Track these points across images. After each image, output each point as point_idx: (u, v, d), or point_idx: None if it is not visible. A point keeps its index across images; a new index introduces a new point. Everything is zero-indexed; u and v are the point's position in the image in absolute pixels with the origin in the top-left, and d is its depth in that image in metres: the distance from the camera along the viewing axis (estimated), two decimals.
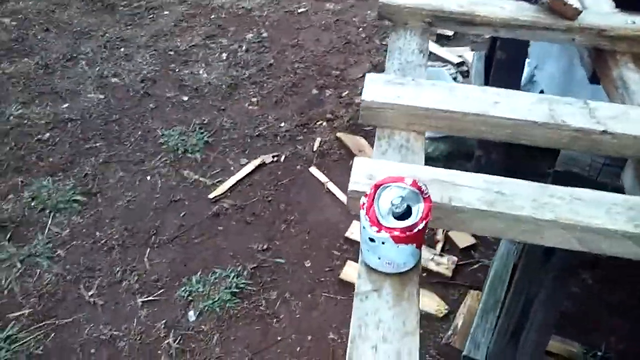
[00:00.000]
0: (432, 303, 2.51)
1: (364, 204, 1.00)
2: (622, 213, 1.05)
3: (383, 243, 0.99)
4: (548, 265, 1.55)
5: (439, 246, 2.76)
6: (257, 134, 3.40)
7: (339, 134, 3.38)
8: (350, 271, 2.64)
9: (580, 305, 2.58)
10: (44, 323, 2.46)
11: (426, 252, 2.69)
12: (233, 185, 3.09)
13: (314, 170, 3.19)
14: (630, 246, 1.04)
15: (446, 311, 2.48)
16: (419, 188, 0.99)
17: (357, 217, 2.93)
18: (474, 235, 2.80)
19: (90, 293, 2.57)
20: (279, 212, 2.98)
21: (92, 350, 2.37)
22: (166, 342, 2.39)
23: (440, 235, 2.80)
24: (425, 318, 2.48)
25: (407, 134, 1.29)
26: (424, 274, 2.65)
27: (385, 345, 0.94)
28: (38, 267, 2.68)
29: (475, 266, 2.68)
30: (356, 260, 2.73)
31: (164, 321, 2.46)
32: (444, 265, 2.65)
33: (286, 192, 3.09)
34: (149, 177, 3.14)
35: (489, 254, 2.68)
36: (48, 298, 2.56)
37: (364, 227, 1.01)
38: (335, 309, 2.52)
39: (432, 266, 2.65)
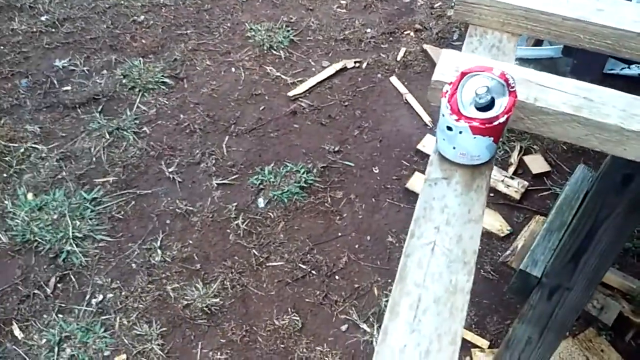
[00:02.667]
0: (495, 222, 2.52)
1: (446, 91, 1.01)
2: None
3: (460, 133, 1.01)
4: (624, 190, 1.51)
5: (512, 169, 2.72)
6: (342, 37, 3.37)
7: (425, 46, 3.30)
8: (417, 182, 2.67)
9: None
10: (126, 191, 2.66)
11: (497, 173, 2.67)
12: (313, 86, 3.12)
13: (394, 80, 3.16)
14: None
15: (508, 232, 2.49)
16: (507, 80, 0.98)
17: (432, 131, 2.93)
18: (548, 163, 2.74)
19: (170, 170, 2.73)
20: (354, 117, 3.00)
21: (168, 221, 2.55)
22: (235, 222, 2.53)
23: (514, 158, 2.76)
24: (486, 236, 2.50)
25: (500, 34, 1.26)
26: (492, 194, 2.64)
27: (447, 228, 0.97)
28: (124, 140, 2.85)
29: (545, 193, 2.64)
30: (425, 173, 2.75)
31: (235, 204, 2.60)
32: (514, 188, 2.62)
33: (364, 98, 3.09)
34: (233, 69, 3.21)
35: (562, 183, 2.62)
36: (131, 169, 2.74)
37: (442, 115, 1.02)
38: (397, 216, 2.58)
39: (501, 187, 2.63)
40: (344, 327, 2.23)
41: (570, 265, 1.68)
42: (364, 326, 2.24)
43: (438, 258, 0.94)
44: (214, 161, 2.76)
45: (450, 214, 1.00)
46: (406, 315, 0.87)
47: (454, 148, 1.04)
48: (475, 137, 1.00)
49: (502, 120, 0.98)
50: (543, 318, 1.79)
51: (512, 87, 0.99)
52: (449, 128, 1.01)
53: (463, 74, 1.00)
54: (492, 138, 1.02)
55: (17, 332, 2.19)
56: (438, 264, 0.93)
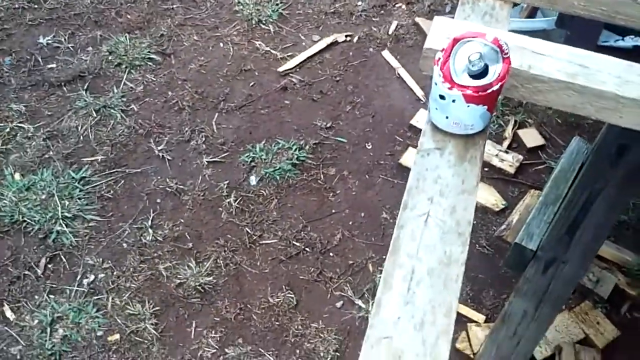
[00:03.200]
0: (490, 197, 2.50)
1: (439, 59, 0.98)
2: None
3: (453, 101, 0.98)
4: (619, 161, 1.49)
5: (506, 143, 2.70)
6: (332, 10, 3.31)
7: (417, 19, 3.25)
8: (411, 157, 2.64)
9: None
10: (115, 170, 2.62)
11: (491, 147, 2.65)
12: (303, 61, 3.07)
13: (386, 54, 3.11)
14: None
15: (503, 206, 2.47)
16: (500, 46, 0.95)
17: (425, 106, 2.89)
18: (543, 136, 2.72)
19: (159, 148, 2.69)
20: (345, 92, 2.96)
21: (158, 200, 2.52)
22: (227, 200, 2.51)
23: (508, 132, 2.73)
24: (481, 211, 2.49)
25: (493, 1, 1.23)
26: (486, 169, 2.62)
27: (441, 199, 0.95)
28: (112, 118, 2.81)
29: (540, 167, 2.63)
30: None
31: (226, 182, 2.57)
32: (508, 162, 2.60)
33: (355, 73, 3.05)
34: (221, 44, 3.15)
35: (557, 157, 2.61)
36: (120, 148, 2.70)
37: (435, 84, 0.99)
38: (391, 191, 2.56)
39: (496, 162, 2.61)
40: (339, 304, 2.22)
41: (565, 238, 1.67)
42: (359, 302, 2.23)
43: (432, 229, 0.92)
44: (204, 139, 2.72)
45: (443, 184, 0.97)
46: (400, 288, 0.85)
47: (447, 117, 1.01)
48: (468, 106, 0.97)
49: (495, 87, 0.96)
50: (539, 291, 1.78)
51: (506, 54, 0.96)
52: (442, 97, 0.98)
53: (455, 41, 0.97)
54: (485, 107, 0.99)
55: (9, 314, 2.17)
56: (432, 235, 0.91)
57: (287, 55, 3.10)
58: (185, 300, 2.23)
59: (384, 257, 2.35)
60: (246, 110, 2.85)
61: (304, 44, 3.17)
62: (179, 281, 2.27)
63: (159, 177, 2.59)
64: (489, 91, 0.95)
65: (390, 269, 0.87)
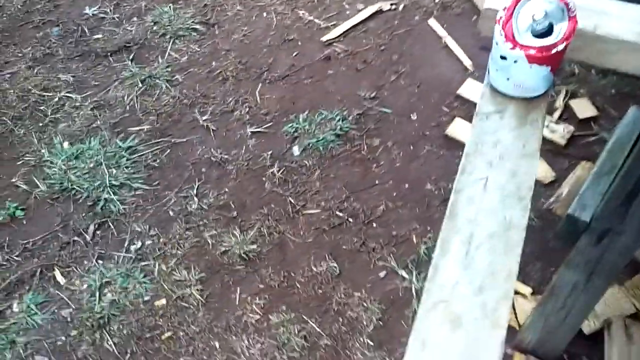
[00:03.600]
0: (539, 169, 2.43)
1: (501, 17, 0.94)
2: None
3: (515, 62, 0.94)
4: None
5: (557, 114, 2.61)
6: None
7: None
8: (458, 128, 2.59)
9: None
10: (160, 140, 2.65)
11: None
12: (347, 30, 3.02)
13: (432, 22, 3.04)
14: None
15: (553, 179, 2.41)
16: (567, 4, 0.91)
17: (473, 75, 2.80)
18: (595, 107, 2.62)
19: (204, 118, 2.70)
20: (390, 62, 2.91)
21: (203, 169, 2.54)
22: (271, 171, 2.51)
23: (559, 103, 2.64)
24: None
25: None
26: None
27: (501, 163, 0.92)
28: (157, 88, 2.83)
29: (592, 139, 2.53)
30: (465, 119, 2.67)
31: (270, 152, 2.57)
32: (559, 133, 2.52)
33: (400, 42, 2.99)
34: (265, 14, 3.13)
35: (610, 128, 2.51)
36: (165, 118, 2.73)
37: (496, 44, 0.95)
38: (436, 163, 2.52)
39: (546, 133, 2.53)
40: (382, 274, 2.21)
41: (621, 209, 1.61)
42: (403, 273, 2.22)
43: (491, 194, 0.89)
44: (247, 109, 2.72)
45: (503, 148, 0.94)
46: (458, 252, 0.83)
47: (508, 79, 0.98)
48: (531, 67, 0.94)
49: (560, 47, 0.91)
50: (591, 263, 1.73)
51: (573, 12, 0.91)
52: (503, 57, 0.95)
53: None
54: (549, 67, 0.95)
55: (60, 278, 2.24)
56: (491, 199, 0.88)
57: (331, 25, 3.05)
58: (230, 267, 2.25)
59: (429, 228, 2.33)
60: (289, 81, 2.83)
61: (347, 12, 3.12)
62: (223, 249, 2.29)
63: (203, 147, 2.61)
64: (553, 51, 0.91)
65: (448, 234, 0.85)
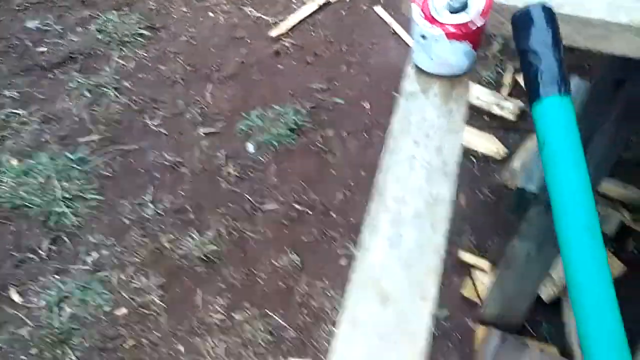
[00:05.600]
0: (491, 146, 2.47)
1: None
2: None
3: (436, 40, 0.95)
4: (616, 96, 1.46)
5: (505, 90, 2.65)
6: None
7: None
8: None
9: None
10: (112, 148, 2.60)
11: (491, 96, 2.60)
12: (295, 24, 3.01)
13: (379, 10, 3.05)
14: None
15: (505, 154, 2.44)
16: None
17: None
18: None
19: (155, 123, 2.67)
20: (340, 53, 2.91)
21: (157, 174, 2.50)
22: (226, 170, 2.49)
23: (507, 80, 2.68)
24: (483, 160, 2.46)
25: None
26: (487, 118, 2.59)
27: (427, 140, 0.93)
28: (106, 97, 2.78)
29: None
30: None
31: (224, 151, 2.55)
32: (508, 109, 2.56)
33: (349, 32, 2.99)
34: (211, 14, 3.10)
35: None
36: (115, 126, 2.68)
37: (416, 24, 0.95)
38: None
39: (496, 110, 2.57)
40: (343, 262, 2.22)
41: None
42: None
43: (417, 171, 0.89)
44: (198, 110, 2.69)
45: (428, 126, 0.95)
46: (386, 231, 0.83)
47: (431, 58, 0.98)
48: (451, 43, 0.94)
49: (479, 23, 0.92)
50: (541, 232, 1.76)
51: None
52: (423, 36, 0.95)
53: None
54: (470, 44, 0.96)
55: (16, 297, 2.18)
56: (418, 177, 0.89)
57: (279, 20, 3.04)
58: (190, 270, 2.23)
59: None
60: (240, 79, 2.81)
61: (295, 7, 3.11)
62: (182, 252, 2.27)
63: (156, 152, 2.58)
64: (472, 27, 0.92)
65: (376, 213, 0.85)
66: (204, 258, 2.25)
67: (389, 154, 0.92)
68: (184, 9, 3.13)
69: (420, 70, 1.02)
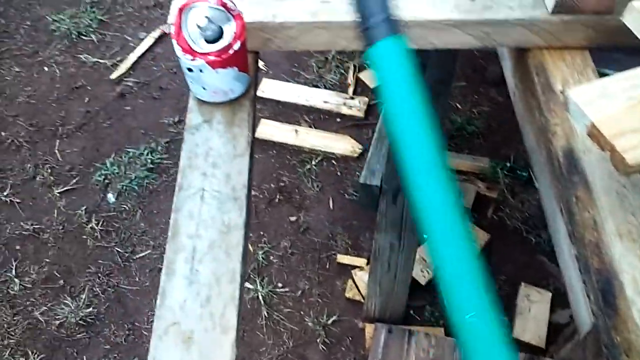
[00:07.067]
0: (346, 145, 2.54)
1: (173, 32, 0.95)
2: (446, 1, 1.02)
3: (201, 71, 0.96)
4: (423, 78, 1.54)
5: (350, 89, 2.74)
6: (153, 3, 3.21)
7: None
8: (266, 129, 2.63)
9: (489, 123, 2.65)
10: None
11: (337, 97, 2.68)
12: (135, 62, 2.96)
13: None
14: (459, 35, 1.03)
15: (360, 151, 2.52)
16: (225, 5, 0.94)
17: (268, 75, 2.85)
18: None
19: (4, 193, 2.52)
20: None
21: (17, 247, 2.37)
22: (89, 226, 2.40)
23: (350, 79, 2.77)
24: (342, 161, 2.53)
25: None
26: (338, 120, 2.66)
27: (215, 170, 0.94)
28: None
29: None
30: (271, 118, 2.71)
31: (84, 207, 2.45)
32: (356, 107, 2.65)
33: None
34: (46, 68, 2.97)
35: None
36: None
37: (179, 58, 0.96)
38: (256, 168, 2.53)
39: (345, 110, 2.65)
40: None
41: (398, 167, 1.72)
42: (247, 284, 2.22)
43: (209, 203, 0.90)
44: (49, 170, 2.58)
45: (215, 155, 0.96)
46: (183, 270, 0.83)
47: (204, 88, 1.00)
48: (217, 72, 0.96)
49: (236, 47, 0.94)
50: (396, 222, 1.83)
51: (234, 11, 0.94)
52: (190, 69, 0.96)
53: (180, 10, 0.94)
54: (236, 68, 0.97)
55: None
56: (209, 209, 0.90)
57: (117, 61, 2.97)
58: (70, 338, 2.13)
59: (262, 232, 2.35)
60: (87, 129, 2.72)
61: (131, 44, 3.05)
62: (58, 322, 2.16)
63: (12, 223, 2.44)
64: (230, 52, 0.94)
65: (172, 255, 0.85)
66: (82, 322, 2.15)
67: (181, 192, 0.92)
68: (17, 69, 2.98)
69: (200, 101, 1.03)
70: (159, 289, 0.82)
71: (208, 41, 0.94)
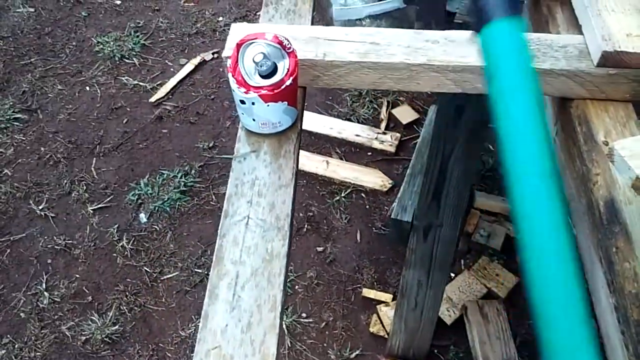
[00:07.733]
0: (376, 179, 2.57)
1: (229, 66, 0.99)
2: None
3: (253, 104, 1.00)
4: (459, 122, 1.57)
5: (383, 124, 2.78)
6: (194, 31, 3.30)
7: None
8: (303, 161, 2.66)
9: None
10: None
11: (369, 132, 2.72)
12: (174, 87, 3.04)
13: None
14: None
15: (390, 185, 2.54)
16: (280, 42, 0.98)
17: None
18: (416, 111, 2.81)
19: (40, 207, 2.59)
20: (222, 109, 2.96)
21: (49, 261, 2.42)
22: (120, 244, 2.44)
23: (383, 114, 2.81)
24: (371, 194, 2.55)
25: None
26: (369, 153, 2.69)
27: (260, 199, 0.97)
28: None
29: (418, 140, 2.71)
30: (302, 148, 2.75)
31: (116, 226, 2.50)
32: (388, 142, 2.68)
33: (229, 88, 3.04)
34: (87, 88, 3.07)
35: None
36: (0, 216, 2.58)
37: (233, 90, 1.00)
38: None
39: (376, 144, 2.68)
40: None
41: (434, 204, 1.74)
42: None
43: (253, 230, 0.93)
44: (85, 187, 2.64)
45: (261, 185, 0.99)
46: (225, 295, 0.86)
47: (254, 120, 1.03)
48: (268, 105, 0.99)
49: (288, 82, 0.98)
50: (425, 259, 1.84)
51: (289, 48, 0.98)
52: (242, 101, 1.00)
53: (239, 45, 0.99)
54: (286, 102, 1.01)
55: None
56: (253, 236, 0.92)
57: (157, 85, 3.06)
58: (95, 355, 2.15)
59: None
60: (124, 149, 2.80)
61: (172, 69, 3.14)
62: (84, 338, 2.19)
63: (45, 237, 2.50)
64: (282, 87, 0.98)
65: (215, 280, 0.88)
66: (108, 340, 2.18)
67: (227, 219, 0.95)
68: (60, 87, 3.09)
69: (249, 132, 1.06)
70: (202, 312, 0.85)
71: (262, 76, 0.98)
